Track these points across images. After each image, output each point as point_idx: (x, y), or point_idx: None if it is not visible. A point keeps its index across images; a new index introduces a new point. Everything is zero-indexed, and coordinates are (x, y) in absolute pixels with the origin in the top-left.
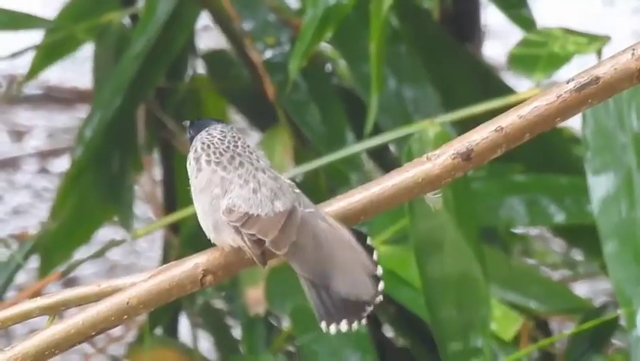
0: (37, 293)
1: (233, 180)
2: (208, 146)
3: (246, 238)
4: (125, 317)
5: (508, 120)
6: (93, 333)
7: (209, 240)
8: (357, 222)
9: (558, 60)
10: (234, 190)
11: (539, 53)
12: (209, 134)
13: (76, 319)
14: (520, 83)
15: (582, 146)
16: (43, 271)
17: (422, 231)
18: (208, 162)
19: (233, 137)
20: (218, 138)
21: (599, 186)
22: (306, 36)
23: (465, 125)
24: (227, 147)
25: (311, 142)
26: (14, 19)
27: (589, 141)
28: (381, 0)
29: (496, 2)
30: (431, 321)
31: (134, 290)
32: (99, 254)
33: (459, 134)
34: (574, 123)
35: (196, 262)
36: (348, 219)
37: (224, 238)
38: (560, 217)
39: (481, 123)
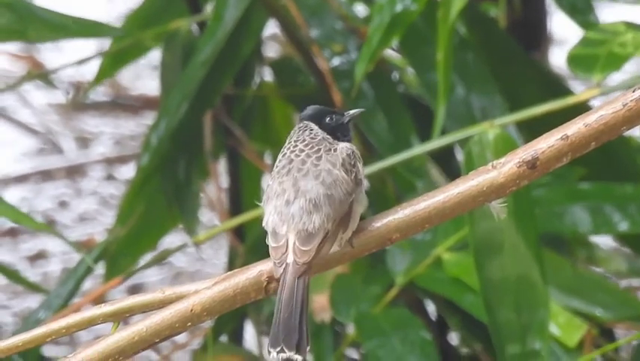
0: (100, 299)
1: (274, 186)
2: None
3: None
4: (189, 324)
5: (574, 128)
6: (157, 340)
7: None
8: (422, 230)
9: (617, 60)
10: (272, 200)
11: (598, 53)
12: (295, 132)
13: (140, 326)
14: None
15: None
16: (109, 277)
17: (482, 233)
18: (275, 167)
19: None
20: (295, 140)
21: None
22: (373, 41)
23: (529, 131)
24: (295, 148)
25: (377, 149)
26: (83, 27)
27: None
28: (448, 7)
29: (563, 8)
30: (489, 323)
31: (197, 297)
32: (160, 258)
33: (525, 141)
34: None
35: (260, 270)
36: (413, 227)
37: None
38: (624, 226)
39: (543, 128)
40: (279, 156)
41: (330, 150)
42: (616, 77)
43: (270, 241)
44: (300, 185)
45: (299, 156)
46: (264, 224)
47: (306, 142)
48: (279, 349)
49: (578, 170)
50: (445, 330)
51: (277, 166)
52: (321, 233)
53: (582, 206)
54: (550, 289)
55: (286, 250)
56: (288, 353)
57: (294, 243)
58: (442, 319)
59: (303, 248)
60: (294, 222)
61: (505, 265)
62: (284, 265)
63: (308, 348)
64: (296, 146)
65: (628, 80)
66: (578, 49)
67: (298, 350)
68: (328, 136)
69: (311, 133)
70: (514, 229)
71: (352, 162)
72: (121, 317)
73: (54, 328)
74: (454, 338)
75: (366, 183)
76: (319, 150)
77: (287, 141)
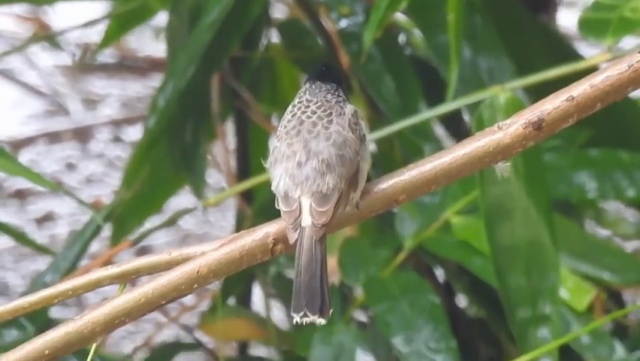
0: (108, 261)
1: (282, 148)
2: (294, 106)
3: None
4: (195, 285)
5: (579, 90)
6: (163, 302)
7: None
8: (429, 191)
9: (629, 24)
10: (281, 163)
11: (610, 17)
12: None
13: (146, 288)
14: (594, 52)
15: None
16: (116, 239)
17: (492, 198)
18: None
19: (325, 93)
20: (307, 100)
21: None
22: (381, 6)
23: (538, 95)
24: (307, 109)
25: (385, 113)
26: None
27: None
28: None
29: None
30: (500, 288)
31: (204, 259)
32: (170, 222)
33: (532, 103)
34: None
35: (267, 231)
36: (420, 188)
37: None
38: (631, 192)
39: (550, 90)
40: (287, 116)
41: (340, 113)
42: (626, 42)
43: (282, 205)
44: (311, 146)
45: (310, 117)
46: (273, 188)
47: (318, 104)
48: (302, 313)
49: (585, 132)
50: (454, 294)
51: (285, 127)
52: (336, 194)
53: (589, 172)
54: (559, 253)
55: (300, 214)
56: (311, 317)
57: (311, 205)
58: (450, 283)
59: (320, 209)
60: (307, 184)
61: (515, 229)
62: (299, 229)
63: (331, 311)
64: (308, 107)
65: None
66: (589, 13)
67: (321, 314)
68: (340, 97)
69: (325, 96)
70: (524, 193)
71: (356, 121)
72: (127, 279)
73: (61, 289)
74: (462, 301)
75: (369, 142)
76: (331, 113)
77: (296, 100)
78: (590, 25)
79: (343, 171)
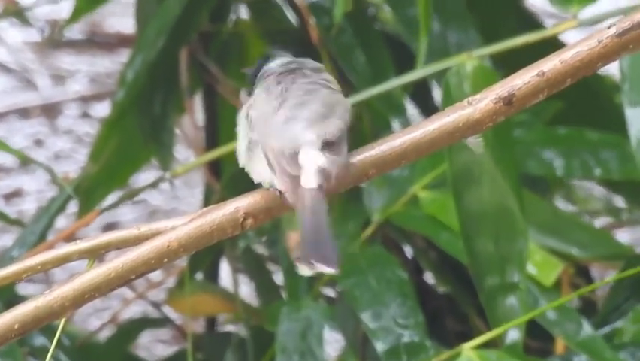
0: (74, 235)
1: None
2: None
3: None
4: (165, 260)
5: (549, 65)
6: (133, 276)
7: (251, 184)
8: (398, 166)
9: None
10: (268, 118)
11: None
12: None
13: (116, 262)
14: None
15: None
16: (82, 213)
17: (460, 166)
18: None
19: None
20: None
21: (637, 119)
22: None
23: (506, 70)
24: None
25: (355, 86)
26: None
27: (626, 73)
28: None
29: None
30: (468, 256)
31: (174, 233)
32: (135, 193)
33: (501, 78)
34: (617, 72)
35: (237, 206)
36: (389, 163)
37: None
38: (598, 171)
39: (520, 65)
40: (260, 90)
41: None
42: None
43: (287, 163)
44: (304, 99)
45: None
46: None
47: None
48: (310, 265)
49: (555, 104)
50: (422, 270)
51: (261, 95)
52: (344, 140)
53: (557, 149)
54: (526, 221)
55: (307, 166)
56: (319, 266)
57: (323, 153)
58: (418, 258)
59: (333, 157)
60: (311, 125)
61: (483, 196)
62: (308, 185)
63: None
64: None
65: (603, 14)
66: None
67: (329, 263)
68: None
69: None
70: (492, 161)
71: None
72: (96, 254)
73: (29, 264)
74: (430, 278)
75: None
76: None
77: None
78: None
79: (345, 116)
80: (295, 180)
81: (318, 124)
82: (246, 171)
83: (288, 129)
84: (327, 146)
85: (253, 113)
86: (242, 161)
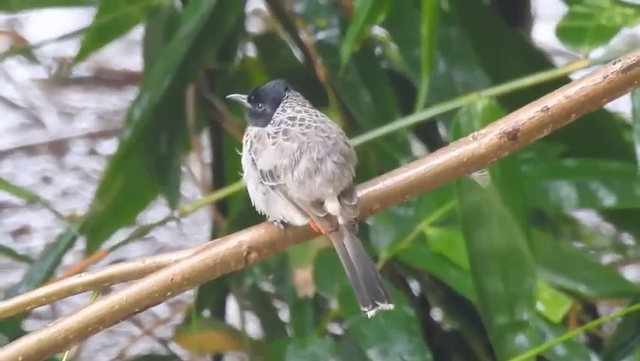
0: (82, 271)
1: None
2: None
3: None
4: (169, 293)
5: (554, 100)
6: (137, 310)
7: (257, 220)
8: (402, 200)
9: (606, 32)
10: (287, 170)
11: (586, 26)
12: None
13: (119, 295)
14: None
15: (633, 129)
16: (90, 251)
17: (469, 204)
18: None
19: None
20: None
21: None
22: (359, 19)
23: (513, 105)
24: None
25: (361, 124)
26: None
27: (638, 110)
28: None
29: None
30: (477, 295)
31: (178, 267)
32: (143, 232)
33: (507, 114)
34: (626, 109)
35: (240, 240)
36: (393, 198)
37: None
38: (609, 201)
39: (524, 99)
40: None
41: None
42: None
43: (314, 211)
44: (319, 142)
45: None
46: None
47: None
48: (371, 306)
49: (559, 146)
50: (429, 306)
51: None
52: (353, 184)
53: (567, 182)
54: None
55: (334, 214)
56: (381, 306)
57: (341, 201)
58: (425, 295)
59: (352, 203)
60: (334, 178)
61: (493, 235)
62: (337, 228)
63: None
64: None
65: (609, 53)
66: (566, 21)
67: (388, 300)
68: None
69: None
70: (501, 200)
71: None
72: (101, 286)
73: (34, 296)
74: (437, 315)
75: None
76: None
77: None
78: (568, 34)
79: (353, 165)
80: (331, 219)
81: (336, 179)
82: (259, 212)
83: (312, 182)
84: (343, 195)
85: (267, 157)
86: (258, 206)
